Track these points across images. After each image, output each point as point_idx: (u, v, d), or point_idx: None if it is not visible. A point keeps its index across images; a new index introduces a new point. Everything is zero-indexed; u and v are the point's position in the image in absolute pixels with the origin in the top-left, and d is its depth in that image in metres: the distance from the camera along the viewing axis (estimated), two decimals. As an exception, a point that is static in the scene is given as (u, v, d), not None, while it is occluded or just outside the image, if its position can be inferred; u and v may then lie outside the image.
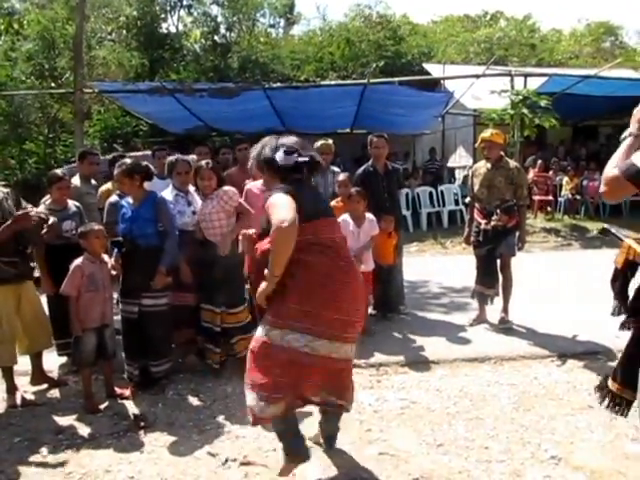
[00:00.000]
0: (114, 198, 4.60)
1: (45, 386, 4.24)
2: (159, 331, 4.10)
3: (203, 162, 4.37)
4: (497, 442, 3.27)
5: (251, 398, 2.81)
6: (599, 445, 3.21)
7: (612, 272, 2.85)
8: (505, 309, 5.25)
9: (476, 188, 5.24)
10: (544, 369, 4.33)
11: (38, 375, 4.24)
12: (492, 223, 5.04)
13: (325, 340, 2.73)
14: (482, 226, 5.14)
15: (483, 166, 5.26)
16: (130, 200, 4.15)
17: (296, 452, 2.93)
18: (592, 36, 31.07)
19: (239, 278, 4.40)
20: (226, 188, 4.33)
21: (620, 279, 2.85)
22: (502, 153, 5.25)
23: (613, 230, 3.92)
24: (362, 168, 5.68)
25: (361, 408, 3.72)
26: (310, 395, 2.90)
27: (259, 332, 2.83)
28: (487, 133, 5.19)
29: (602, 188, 2.21)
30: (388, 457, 3.14)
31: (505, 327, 5.15)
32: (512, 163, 5.27)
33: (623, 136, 2.35)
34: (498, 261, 5.20)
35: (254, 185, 4.75)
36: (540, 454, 3.14)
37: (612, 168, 2.20)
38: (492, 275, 5.22)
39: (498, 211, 5.03)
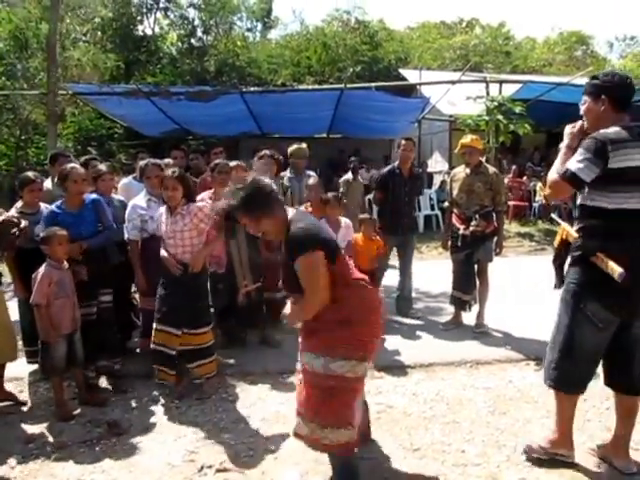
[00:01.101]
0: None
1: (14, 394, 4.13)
2: (113, 327, 4.28)
3: (169, 171, 4.06)
4: (473, 446, 3.29)
5: (346, 434, 2.61)
6: (575, 448, 3.24)
7: (553, 254, 3.71)
8: (481, 314, 5.29)
9: (455, 193, 5.26)
10: (519, 372, 4.37)
11: None
12: (471, 228, 5.08)
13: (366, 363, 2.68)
14: (461, 231, 5.15)
15: (462, 171, 5.28)
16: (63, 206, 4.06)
17: None
18: (565, 45, 31.74)
19: (205, 297, 4.26)
20: (201, 205, 4.12)
21: (558, 258, 3.77)
22: (481, 159, 5.29)
23: (554, 216, 4.36)
24: (387, 168, 5.80)
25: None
26: None
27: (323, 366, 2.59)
28: (467, 139, 5.21)
29: (547, 190, 2.77)
30: (365, 461, 3.13)
31: (481, 331, 5.19)
32: (491, 169, 5.30)
33: (560, 147, 2.93)
34: (475, 266, 5.25)
35: (201, 199, 4.70)
36: (516, 457, 3.17)
37: (554, 174, 2.81)
38: (470, 280, 5.27)
39: (477, 217, 5.07)
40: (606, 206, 2.71)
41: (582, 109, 2.91)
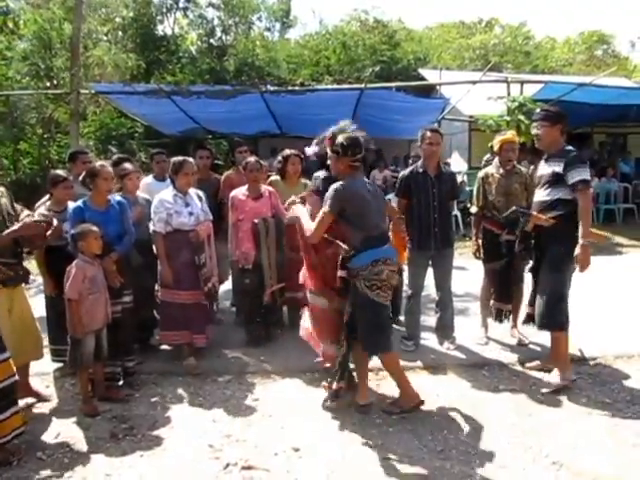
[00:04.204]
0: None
1: (41, 389, 4.18)
2: (132, 327, 4.31)
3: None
4: (498, 447, 3.28)
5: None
6: (601, 451, 3.22)
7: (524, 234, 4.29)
8: (517, 323, 4.97)
9: (492, 196, 4.82)
10: (544, 374, 4.33)
11: (23, 388, 3.85)
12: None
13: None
14: (503, 237, 4.62)
15: (496, 172, 4.87)
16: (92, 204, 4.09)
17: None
18: (585, 44, 31.39)
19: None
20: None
21: (528, 238, 4.28)
22: None
23: (522, 210, 4.34)
24: (409, 169, 4.92)
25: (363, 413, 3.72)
26: None
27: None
28: (508, 134, 4.90)
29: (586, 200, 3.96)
30: (390, 462, 3.14)
31: (522, 339, 4.93)
32: (523, 168, 4.98)
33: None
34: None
35: (239, 191, 5.01)
36: (541, 459, 3.15)
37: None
38: (510, 289, 4.86)
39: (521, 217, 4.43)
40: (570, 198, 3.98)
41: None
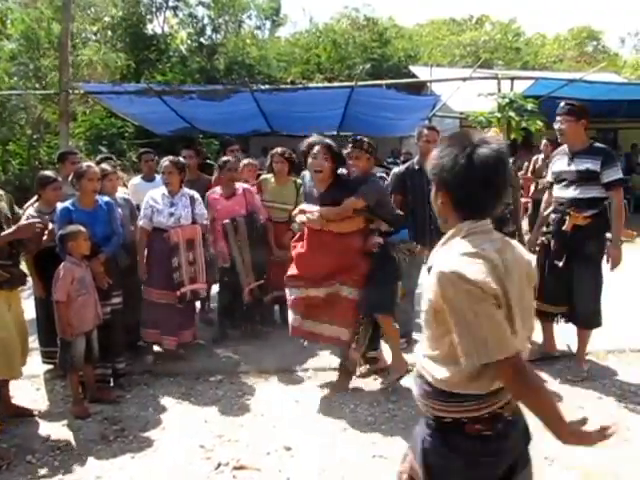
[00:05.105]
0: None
1: (31, 392, 4.15)
2: (121, 329, 4.29)
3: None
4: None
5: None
6: (592, 446, 3.22)
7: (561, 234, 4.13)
8: None
9: None
10: (535, 369, 4.33)
11: (5, 406, 3.74)
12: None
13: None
14: None
15: None
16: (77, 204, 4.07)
17: None
18: (575, 40, 31.52)
19: None
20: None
21: (564, 237, 4.09)
22: None
23: (562, 209, 4.33)
24: (404, 165, 4.92)
25: (353, 411, 3.71)
26: None
27: None
28: (492, 132, 4.82)
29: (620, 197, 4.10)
30: (381, 459, 3.14)
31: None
32: None
33: None
34: None
35: (213, 191, 5.11)
36: (533, 454, 3.14)
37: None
38: None
39: (509, 216, 4.70)
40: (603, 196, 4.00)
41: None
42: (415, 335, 4.97)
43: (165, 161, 4.66)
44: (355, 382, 4.15)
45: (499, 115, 10.43)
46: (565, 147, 4.19)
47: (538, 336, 4.66)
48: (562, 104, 4.24)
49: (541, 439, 3.27)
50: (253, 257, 4.94)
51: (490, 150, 1.62)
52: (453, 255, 1.59)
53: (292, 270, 3.97)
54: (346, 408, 3.77)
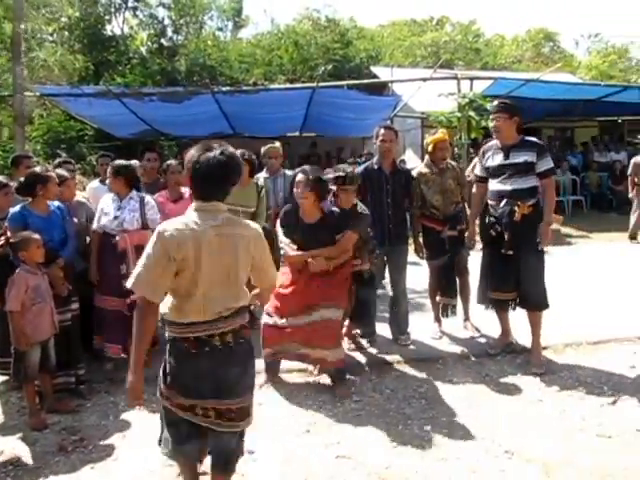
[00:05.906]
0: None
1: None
2: (79, 335, 4.21)
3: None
4: (452, 440, 3.32)
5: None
6: (550, 437, 3.30)
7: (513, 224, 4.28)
8: (468, 311, 5.11)
9: (430, 196, 4.80)
10: (495, 366, 4.41)
11: None
12: (458, 229, 4.86)
13: None
14: (447, 233, 4.77)
15: (429, 171, 4.85)
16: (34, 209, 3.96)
17: None
18: (533, 41, 32.23)
19: None
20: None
21: (516, 228, 4.25)
22: None
23: (511, 201, 4.49)
24: (363, 165, 5.00)
25: (316, 411, 3.71)
26: None
27: None
28: (439, 134, 4.88)
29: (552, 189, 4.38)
30: (345, 460, 3.14)
31: (476, 328, 5.04)
32: (453, 162, 5.12)
33: None
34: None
35: (160, 194, 5.04)
36: (494, 449, 3.21)
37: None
38: (454, 284, 4.98)
39: (460, 217, 4.92)
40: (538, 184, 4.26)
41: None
42: (379, 332, 5.02)
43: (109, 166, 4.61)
44: (318, 382, 4.15)
45: (459, 115, 10.62)
46: (497, 143, 4.40)
47: (497, 331, 4.75)
48: (495, 102, 4.56)
49: (501, 433, 3.35)
50: None
51: (213, 154, 2.31)
52: (177, 219, 2.37)
53: (274, 303, 4.01)
54: (309, 409, 3.75)
